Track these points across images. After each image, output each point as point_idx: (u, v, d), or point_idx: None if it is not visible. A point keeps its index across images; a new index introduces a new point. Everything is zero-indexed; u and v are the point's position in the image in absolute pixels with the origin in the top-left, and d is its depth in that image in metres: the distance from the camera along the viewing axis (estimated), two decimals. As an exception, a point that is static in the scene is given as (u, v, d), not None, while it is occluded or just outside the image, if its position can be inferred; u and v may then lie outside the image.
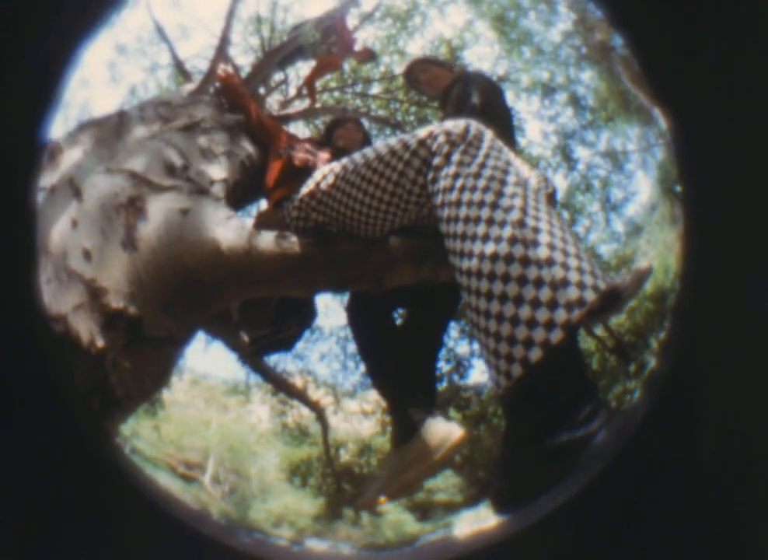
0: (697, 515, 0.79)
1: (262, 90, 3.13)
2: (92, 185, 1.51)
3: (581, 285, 1.05)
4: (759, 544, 0.78)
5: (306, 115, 3.22)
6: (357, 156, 1.60)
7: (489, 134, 1.38)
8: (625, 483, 0.80)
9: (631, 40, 0.79)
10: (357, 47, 3.25)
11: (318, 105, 3.29)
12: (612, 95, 2.76)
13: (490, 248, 1.13)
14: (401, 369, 1.90)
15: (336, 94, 3.52)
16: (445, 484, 2.67)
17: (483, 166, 1.28)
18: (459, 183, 1.27)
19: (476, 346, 3.06)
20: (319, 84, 3.38)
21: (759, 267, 0.76)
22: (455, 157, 1.32)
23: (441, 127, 1.40)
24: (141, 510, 0.87)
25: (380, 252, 1.63)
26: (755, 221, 0.75)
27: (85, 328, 1.19)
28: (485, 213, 1.18)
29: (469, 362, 3.11)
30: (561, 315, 1.03)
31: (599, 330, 2.75)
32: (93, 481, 0.87)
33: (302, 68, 3.35)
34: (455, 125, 1.38)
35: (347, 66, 3.41)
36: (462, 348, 3.10)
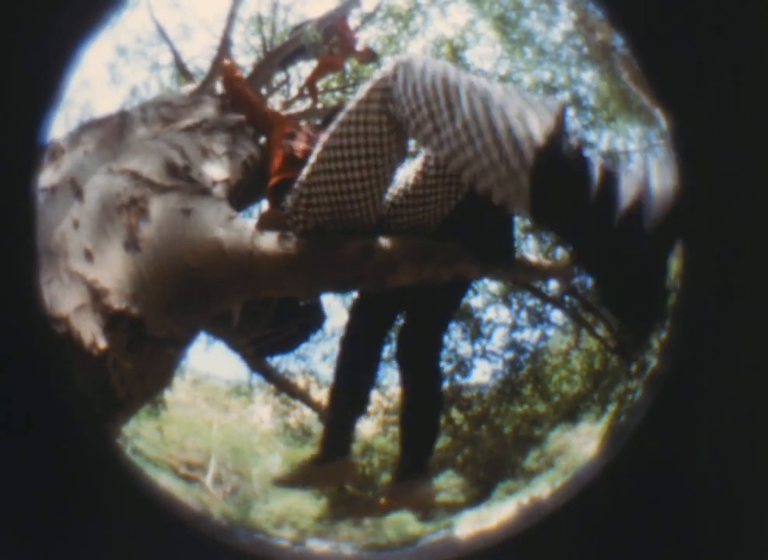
0: (697, 514, 0.79)
1: (264, 91, 3.13)
2: (93, 185, 1.51)
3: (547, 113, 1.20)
4: (758, 543, 0.78)
5: (308, 115, 3.23)
6: (321, 137, 1.62)
7: (424, 55, 1.49)
8: (625, 483, 0.80)
9: (630, 39, 0.79)
10: (359, 47, 3.24)
11: (320, 105, 3.29)
12: (613, 94, 2.76)
13: (459, 117, 1.25)
14: (365, 386, 1.94)
15: (338, 94, 3.52)
16: (447, 485, 2.67)
17: (423, 71, 1.37)
18: (409, 90, 1.37)
19: (477, 346, 3.07)
20: (320, 84, 3.38)
21: (759, 267, 0.76)
22: (399, 75, 1.41)
23: (381, 69, 1.48)
24: (143, 511, 0.87)
25: (382, 252, 1.63)
26: (755, 221, 0.75)
27: (87, 329, 1.19)
28: (443, 102, 1.30)
29: (471, 362, 3.11)
30: (548, 118, 1.17)
31: (601, 331, 2.75)
32: (95, 481, 0.87)
33: (304, 69, 3.36)
34: (392, 59, 1.48)
35: (348, 66, 3.42)
36: (464, 348, 3.10)
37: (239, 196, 1.96)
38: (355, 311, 2.02)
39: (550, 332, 3.14)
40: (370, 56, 3.30)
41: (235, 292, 1.56)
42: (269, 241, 1.55)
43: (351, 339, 1.97)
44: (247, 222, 1.64)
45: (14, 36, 0.74)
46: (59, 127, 1.72)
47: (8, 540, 0.83)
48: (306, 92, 3.24)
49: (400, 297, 1.93)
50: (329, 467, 1.85)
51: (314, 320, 2.28)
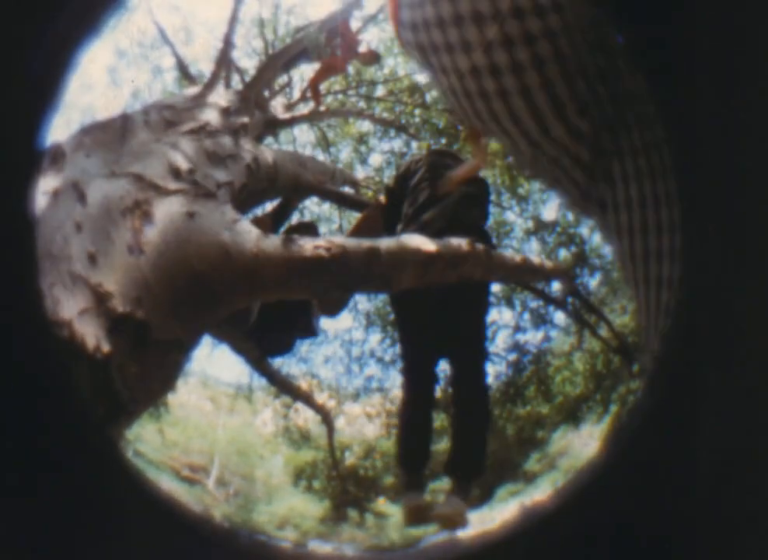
0: (697, 515, 0.79)
1: (266, 93, 3.14)
2: (96, 189, 1.50)
3: None
4: (757, 543, 0.78)
5: (311, 118, 3.23)
6: None
7: None
8: (625, 483, 0.80)
9: (629, 40, 0.79)
10: (361, 49, 3.24)
11: (323, 108, 3.29)
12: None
13: None
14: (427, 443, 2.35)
15: (341, 97, 3.52)
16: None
17: None
18: None
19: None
20: (323, 87, 3.38)
21: (759, 267, 0.76)
22: None
23: None
24: (145, 513, 0.87)
25: (388, 253, 1.63)
26: (755, 223, 0.75)
27: (91, 333, 1.19)
28: None
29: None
30: None
31: (604, 332, 2.76)
32: (97, 485, 0.87)
33: (306, 71, 3.36)
34: None
35: (350, 69, 3.41)
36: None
37: (243, 198, 1.96)
38: (407, 371, 2.33)
39: (553, 333, 3.15)
40: (373, 58, 3.29)
41: (241, 295, 1.55)
42: (274, 244, 1.55)
43: (410, 404, 2.29)
44: (252, 225, 1.64)
45: (12, 39, 0.75)
46: (61, 130, 1.72)
47: (11, 542, 0.83)
48: (309, 94, 3.24)
49: (440, 344, 2.24)
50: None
51: (306, 330, 2.36)
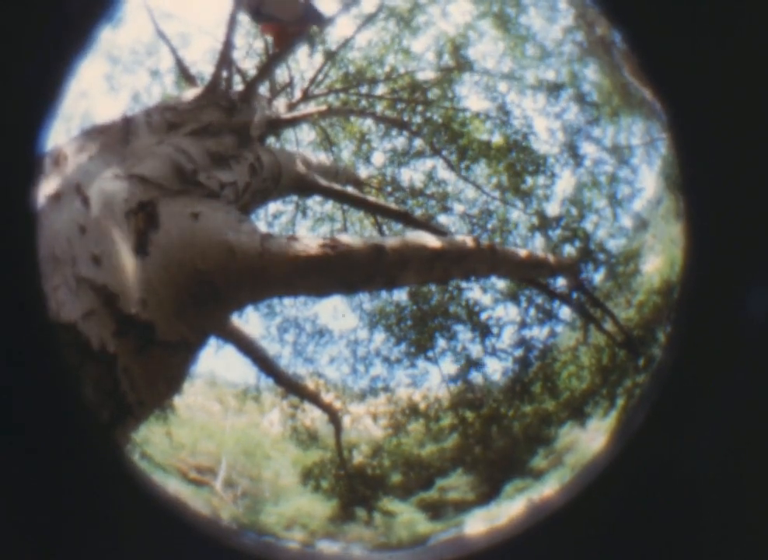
0: (698, 511, 0.79)
1: (268, 93, 3.14)
2: (100, 191, 1.50)
3: None
4: (757, 538, 0.78)
5: (312, 117, 3.23)
6: None
7: None
8: (627, 481, 0.80)
9: (626, 34, 0.79)
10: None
11: (323, 107, 3.30)
12: (615, 89, 2.77)
13: None
14: None
15: (342, 96, 3.53)
16: (457, 483, 2.68)
17: None
18: None
19: (488, 345, 3.07)
20: (324, 86, 3.40)
21: (760, 260, 0.76)
22: None
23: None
24: (151, 515, 0.87)
25: (392, 251, 1.63)
26: (752, 211, 0.75)
27: (96, 335, 1.18)
28: None
29: (481, 360, 3.12)
30: None
31: (609, 326, 2.76)
32: (103, 487, 0.87)
33: (307, 71, 3.37)
34: None
35: (351, 68, 3.43)
36: (474, 347, 3.11)
37: (247, 198, 1.96)
38: None
39: (559, 329, 3.15)
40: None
41: (246, 294, 1.55)
42: (279, 243, 1.55)
43: None
44: (256, 224, 1.64)
45: (10, 46, 0.75)
46: (61, 135, 1.72)
47: (15, 543, 0.83)
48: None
49: None
50: None
51: None
